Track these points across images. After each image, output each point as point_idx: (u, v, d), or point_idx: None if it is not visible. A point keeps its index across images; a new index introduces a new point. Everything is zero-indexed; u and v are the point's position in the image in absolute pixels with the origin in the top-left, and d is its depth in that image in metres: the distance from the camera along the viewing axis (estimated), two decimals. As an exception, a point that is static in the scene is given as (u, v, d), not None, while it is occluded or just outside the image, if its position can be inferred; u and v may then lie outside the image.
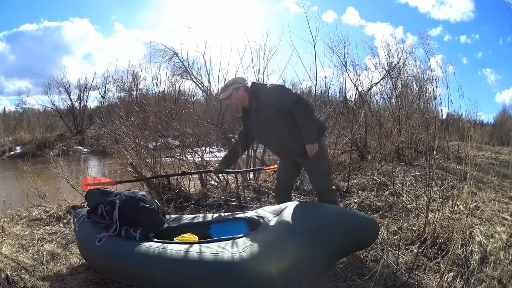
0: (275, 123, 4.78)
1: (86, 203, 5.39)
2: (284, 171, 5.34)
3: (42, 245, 5.07)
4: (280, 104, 4.70)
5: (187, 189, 7.67)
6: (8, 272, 3.99)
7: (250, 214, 4.68)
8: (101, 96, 39.85)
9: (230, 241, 3.74)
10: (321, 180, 5.03)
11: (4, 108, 45.67)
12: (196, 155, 8.38)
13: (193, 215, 5.13)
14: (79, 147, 31.45)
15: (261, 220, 4.28)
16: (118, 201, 4.33)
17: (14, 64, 54.05)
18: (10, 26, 75.02)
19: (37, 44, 57.03)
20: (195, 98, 14.15)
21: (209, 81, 9.25)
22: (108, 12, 75.56)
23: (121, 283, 3.93)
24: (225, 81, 8.70)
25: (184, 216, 5.12)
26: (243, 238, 3.77)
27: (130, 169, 7.75)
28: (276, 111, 4.71)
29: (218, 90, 9.43)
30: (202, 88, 9.55)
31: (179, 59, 9.67)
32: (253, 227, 4.30)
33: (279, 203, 5.11)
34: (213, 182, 8.39)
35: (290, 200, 5.18)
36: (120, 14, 77.31)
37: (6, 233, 5.36)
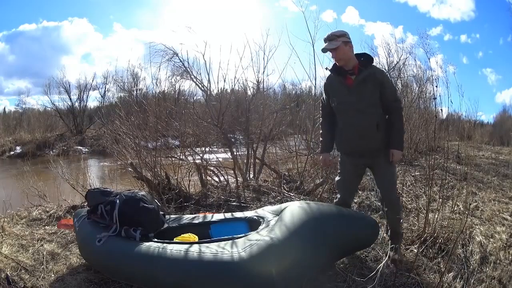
0: (370, 106, 4.35)
1: (86, 203, 5.40)
2: (349, 177, 4.73)
3: (42, 245, 5.08)
4: (385, 92, 4.36)
5: (187, 189, 7.70)
6: (8, 272, 4.00)
7: (250, 214, 4.70)
8: (101, 96, 39.85)
9: (230, 241, 3.73)
10: (390, 188, 4.55)
11: (4, 108, 45.76)
12: (196, 155, 8.36)
13: (193, 215, 5.13)
14: (79, 147, 31.44)
15: (261, 220, 4.29)
16: (118, 201, 4.34)
17: (13, 64, 54.14)
18: (9, 26, 75.13)
19: (36, 44, 57.11)
20: (195, 98, 14.18)
21: (209, 81, 9.24)
22: (107, 11, 75.72)
23: (121, 283, 3.93)
24: (225, 81, 8.71)
25: (184, 216, 5.13)
26: (243, 238, 3.77)
27: (130, 169, 7.76)
28: (377, 96, 4.36)
29: (218, 90, 9.45)
30: (202, 88, 9.55)
31: (179, 59, 9.68)
32: (253, 227, 4.29)
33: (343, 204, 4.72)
34: (213, 182, 8.40)
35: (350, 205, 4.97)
36: (118, 13, 77.50)
37: (6, 233, 5.36)
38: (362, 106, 4.31)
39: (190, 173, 8.05)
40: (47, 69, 74.23)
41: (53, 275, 4.23)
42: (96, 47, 64.57)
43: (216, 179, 8.44)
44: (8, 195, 6.87)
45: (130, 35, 65.62)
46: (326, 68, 4.77)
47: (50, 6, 69.14)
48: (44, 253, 4.75)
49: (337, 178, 4.88)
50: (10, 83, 77.58)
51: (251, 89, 9.15)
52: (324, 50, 4.51)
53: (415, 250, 4.48)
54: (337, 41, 4.36)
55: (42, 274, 4.21)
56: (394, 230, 4.56)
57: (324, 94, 4.82)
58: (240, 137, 10.18)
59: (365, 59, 4.46)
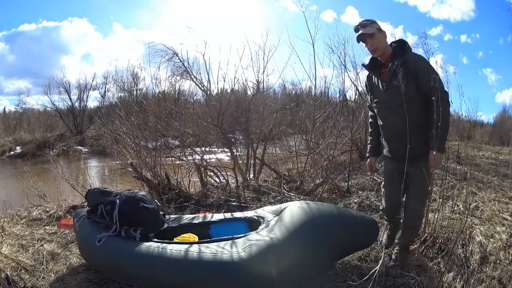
0: (406, 101, 3.73)
1: (86, 203, 5.41)
2: (390, 183, 4.40)
3: (42, 245, 5.08)
4: (420, 82, 3.76)
5: (187, 189, 7.72)
6: (8, 272, 4.00)
7: (250, 214, 4.70)
8: (101, 96, 39.90)
9: (230, 241, 3.73)
10: (416, 202, 4.05)
11: (4, 108, 45.91)
12: (196, 155, 8.37)
13: (193, 215, 5.14)
14: (79, 147, 31.46)
15: (261, 220, 4.29)
16: (118, 201, 4.34)
17: (13, 64, 54.31)
18: (9, 26, 75.41)
19: (36, 44, 57.27)
20: (195, 98, 14.21)
21: (208, 81, 9.23)
22: (106, 11, 76.04)
23: (121, 283, 3.94)
24: (224, 81, 8.71)
25: (184, 216, 5.14)
26: (243, 238, 3.77)
27: (130, 169, 7.76)
28: (414, 87, 3.79)
29: (218, 90, 9.46)
30: (202, 88, 9.54)
31: (179, 59, 9.66)
32: (253, 227, 4.29)
33: (391, 222, 4.55)
34: (213, 181, 8.40)
35: (399, 220, 4.47)
36: (118, 13, 77.74)
37: (6, 233, 5.36)
38: (396, 104, 3.86)
39: (190, 173, 8.07)
40: (47, 69, 74.66)
41: (53, 275, 4.23)
42: (96, 47, 64.83)
43: (216, 179, 8.45)
44: (8, 195, 6.86)
45: (129, 35, 65.90)
46: (363, 65, 4.40)
47: (49, 6, 69.34)
48: (44, 253, 4.75)
49: (382, 182, 4.62)
50: (10, 83, 77.85)
51: (251, 89, 9.17)
52: (359, 39, 4.09)
53: (415, 250, 4.48)
54: (372, 27, 3.97)
55: (42, 274, 4.21)
56: (400, 243, 4.39)
57: (368, 93, 4.52)
58: (240, 137, 10.20)
59: (400, 46, 4.01)
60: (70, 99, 38.88)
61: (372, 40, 3.97)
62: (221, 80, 8.66)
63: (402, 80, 3.68)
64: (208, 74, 9.16)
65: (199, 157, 8.32)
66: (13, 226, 5.82)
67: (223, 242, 3.73)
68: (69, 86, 38.85)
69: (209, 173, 8.38)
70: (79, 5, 73.79)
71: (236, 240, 3.74)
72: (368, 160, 4.58)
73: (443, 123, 3.62)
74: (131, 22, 79.95)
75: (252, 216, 4.56)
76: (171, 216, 5.12)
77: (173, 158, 8.31)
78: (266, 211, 4.52)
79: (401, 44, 4.00)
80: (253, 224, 4.39)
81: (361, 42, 4.11)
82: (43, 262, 4.50)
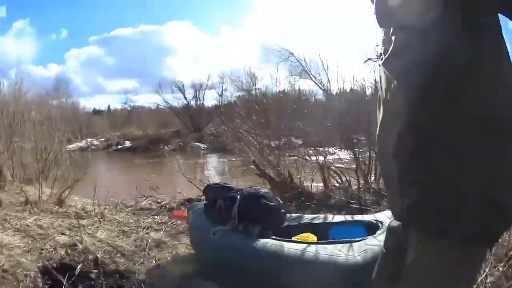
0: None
1: (202, 197, 5.70)
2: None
3: (148, 233, 5.31)
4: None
5: (310, 188, 7.84)
6: (98, 255, 4.24)
7: (369, 217, 4.69)
8: (219, 95, 41.80)
9: (348, 244, 3.72)
10: None
11: (109, 105, 51.81)
12: (320, 155, 8.39)
13: (314, 215, 5.18)
14: (197, 144, 33.14)
15: (379, 224, 4.24)
16: (238, 196, 4.45)
17: (113, 65, 63.28)
18: (106, 30, 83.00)
19: (135, 46, 61.85)
20: (315, 97, 14.36)
21: (328, 81, 9.25)
22: (213, 15, 79.37)
23: (230, 276, 3.93)
24: (344, 80, 8.66)
25: (304, 215, 5.20)
26: (361, 242, 3.75)
27: (252, 166, 7.93)
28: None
29: (338, 90, 9.44)
30: (322, 88, 9.57)
31: (296, 59, 9.79)
32: (371, 231, 4.22)
33: None
34: (335, 183, 8.39)
35: None
36: (225, 16, 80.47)
37: (106, 219, 5.71)
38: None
39: (314, 172, 8.25)
40: (150, 69, 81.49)
41: (154, 262, 4.43)
42: (204, 49, 67.87)
43: (338, 180, 8.43)
44: (111, 185, 7.18)
45: (237, 36, 67.91)
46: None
47: (149, 10, 75.07)
48: (149, 240, 4.94)
49: None
50: (111, 83, 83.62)
51: (369, 89, 9.09)
52: None
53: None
54: None
55: (142, 260, 4.41)
56: None
57: None
58: (362, 138, 10.17)
59: None
60: (185, 98, 42.32)
61: None
62: (340, 79, 8.63)
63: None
64: (327, 74, 9.19)
65: (322, 157, 8.35)
66: (116, 214, 6.17)
67: (341, 245, 3.73)
68: (183, 85, 42.49)
69: (331, 174, 8.38)
70: (182, 8, 77.58)
71: (354, 243, 3.73)
72: None
73: None
74: (238, 24, 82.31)
75: (371, 220, 4.53)
76: (292, 214, 5.18)
77: (295, 157, 8.45)
78: (385, 216, 4.45)
79: None
80: (371, 228, 4.33)
81: None
82: (145, 249, 4.71)
